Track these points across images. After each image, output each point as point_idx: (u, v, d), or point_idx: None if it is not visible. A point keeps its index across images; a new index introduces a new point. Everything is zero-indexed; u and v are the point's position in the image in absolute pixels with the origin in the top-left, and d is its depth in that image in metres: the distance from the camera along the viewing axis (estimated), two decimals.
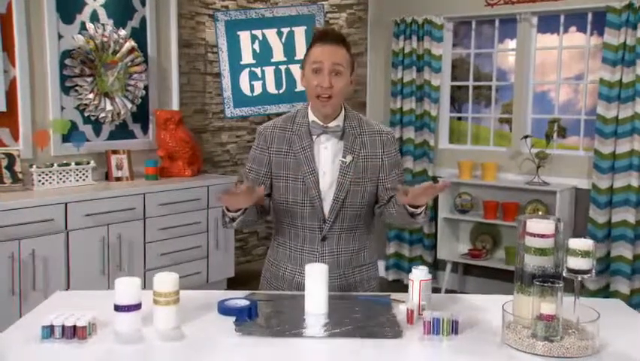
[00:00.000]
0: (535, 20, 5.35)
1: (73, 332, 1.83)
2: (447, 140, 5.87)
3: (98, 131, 5.12)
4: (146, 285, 4.69)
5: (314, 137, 2.40)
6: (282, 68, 5.94)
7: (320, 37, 2.36)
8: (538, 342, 1.78)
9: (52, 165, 4.61)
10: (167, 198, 4.88)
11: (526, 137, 5.20)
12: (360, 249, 2.47)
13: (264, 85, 5.55)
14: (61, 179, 4.64)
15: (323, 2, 6.00)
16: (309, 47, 2.38)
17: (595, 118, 4.98)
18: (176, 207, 4.92)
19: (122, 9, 5.22)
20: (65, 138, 4.87)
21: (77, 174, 4.74)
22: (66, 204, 4.27)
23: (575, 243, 1.81)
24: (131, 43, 5.16)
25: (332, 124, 2.40)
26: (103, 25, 5.03)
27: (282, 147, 2.41)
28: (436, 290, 5.39)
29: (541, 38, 5.46)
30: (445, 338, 1.90)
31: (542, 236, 1.85)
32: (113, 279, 4.52)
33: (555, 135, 5.29)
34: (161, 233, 4.83)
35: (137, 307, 1.88)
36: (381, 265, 5.99)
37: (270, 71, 5.53)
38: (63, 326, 1.83)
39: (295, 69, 5.99)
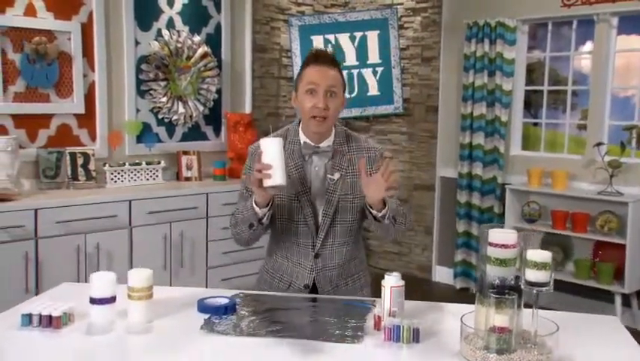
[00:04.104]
0: (615, 21, 5.08)
1: (49, 321, 1.96)
2: (519, 146, 5.65)
3: (171, 133, 5.36)
4: (207, 284, 4.88)
5: (306, 157, 2.44)
6: (355, 72, 5.98)
7: (313, 59, 2.38)
8: (490, 355, 1.73)
9: (124, 164, 4.87)
10: (231, 199, 5.01)
11: (599, 144, 4.93)
12: (350, 260, 2.51)
13: None
14: (132, 178, 4.89)
15: (397, 6, 5.96)
16: (302, 69, 2.41)
17: None
18: None
19: (197, 16, 5.43)
20: (139, 139, 5.14)
21: (148, 173, 4.98)
22: (130, 201, 4.51)
23: (533, 254, 1.74)
24: (204, 49, 5.37)
25: (323, 144, 2.44)
26: (178, 31, 5.26)
27: None
28: None
29: (623, 40, 5.17)
30: (405, 346, 1.88)
31: (503, 246, 1.79)
32: (174, 275, 4.72)
33: (634, 143, 5.00)
34: (223, 232, 4.97)
35: (110, 300, 1.99)
36: (449, 272, 5.88)
37: None
38: (40, 315, 1.96)
39: (367, 73, 6.01)
